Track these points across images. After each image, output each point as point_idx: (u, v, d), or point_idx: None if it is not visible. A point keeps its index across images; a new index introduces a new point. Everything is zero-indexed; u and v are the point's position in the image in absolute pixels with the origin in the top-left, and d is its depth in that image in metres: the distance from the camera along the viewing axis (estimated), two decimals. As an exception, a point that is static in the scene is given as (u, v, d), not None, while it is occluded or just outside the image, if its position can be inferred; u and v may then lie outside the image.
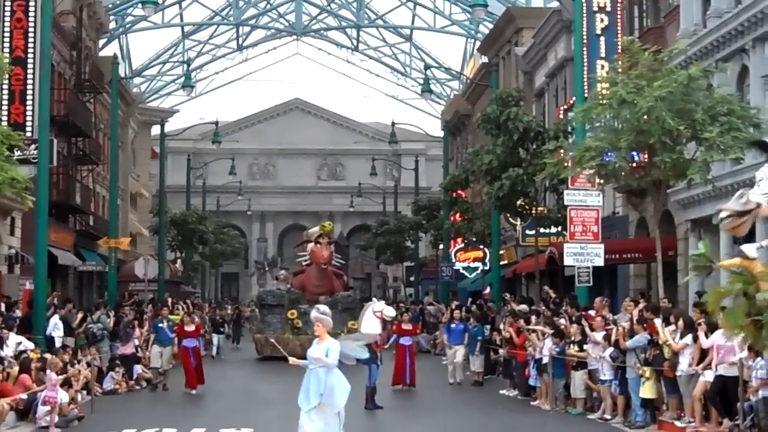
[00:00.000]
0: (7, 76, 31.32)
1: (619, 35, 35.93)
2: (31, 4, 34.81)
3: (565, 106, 42.20)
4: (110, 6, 65.60)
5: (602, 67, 35.55)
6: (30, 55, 34.67)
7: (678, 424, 20.83)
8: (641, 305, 24.17)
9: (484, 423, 23.29)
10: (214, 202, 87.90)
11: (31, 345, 26.01)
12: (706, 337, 20.22)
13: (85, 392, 25.25)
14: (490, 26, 64.51)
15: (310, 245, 42.50)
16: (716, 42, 30.49)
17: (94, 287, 57.47)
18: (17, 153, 29.16)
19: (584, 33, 35.87)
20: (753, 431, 18.93)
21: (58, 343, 28.03)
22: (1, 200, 35.47)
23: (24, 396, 22.15)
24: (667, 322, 21.82)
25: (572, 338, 24.87)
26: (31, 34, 34.73)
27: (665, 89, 24.25)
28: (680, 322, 21.35)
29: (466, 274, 57.27)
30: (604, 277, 36.39)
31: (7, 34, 34.30)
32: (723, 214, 13.84)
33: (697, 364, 20.44)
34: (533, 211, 39.61)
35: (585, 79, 34.35)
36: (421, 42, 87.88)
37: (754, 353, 19.26)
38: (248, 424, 21.76)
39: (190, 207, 71.37)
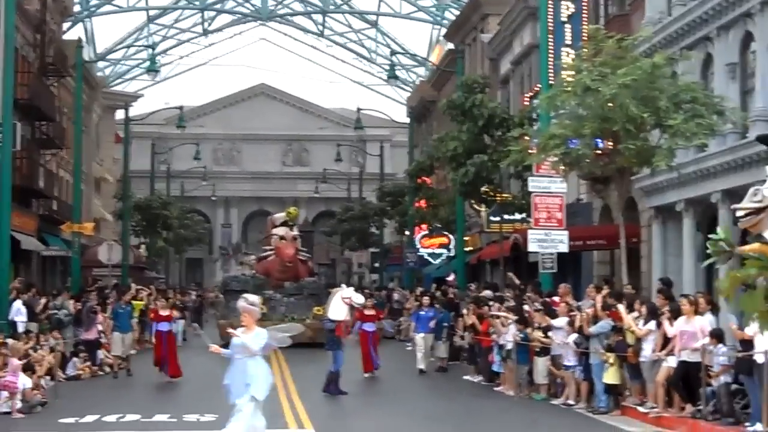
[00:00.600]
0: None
1: (585, 22, 36.01)
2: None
3: (530, 93, 42.25)
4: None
5: (567, 54, 35.58)
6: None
7: (641, 409, 20.95)
8: (605, 291, 24.25)
9: (448, 408, 23.33)
10: (179, 188, 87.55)
11: (-7, 330, 25.87)
12: (671, 323, 20.34)
13: (48, 378, 25.12)
14: (457, 13, 64.57)
15: (275, 239, 42.28)
16: (681, 30, 30.57)
17: (57, 272, 57.16)
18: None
19: (550, 20, 35.86)
20: (715, 416, 19.06)
21: (21, 329, 27.88)
22: (-36, 184, 35.15)
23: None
24: (630, 308, 21.93)
25: (537, 324, 24.93)
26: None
27: (630, 77, 24.32)
28: (643, 309, 21.47)
29: (431, 260, 57.29)
30: (568, 263, 36.48)
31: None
32: (740, 213, 13.94)
33: (660, 350, 20.55)
34: (498, 198, 39.72)
35: (550, 67, 34.35)
36: (387, 28, 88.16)
37: (717, 339, 19.43)
38: (212, 411, 21.68)
39: (154, 192, 71.15)
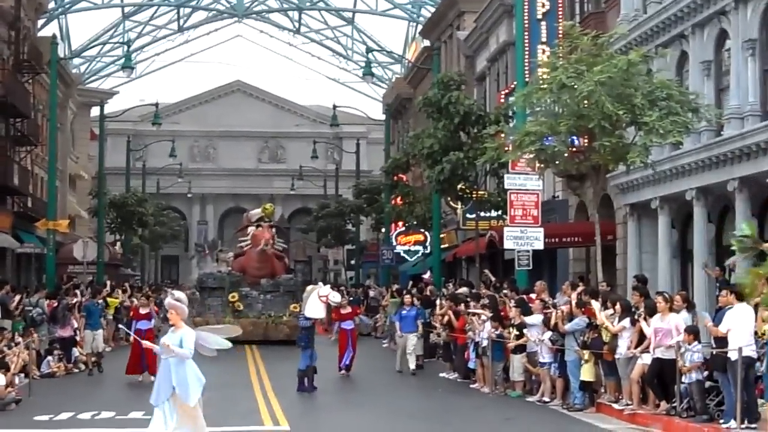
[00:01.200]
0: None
1: (560, 20, 36.02)
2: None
3: (506, 91, 42.25)
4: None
5: (543, 51, 35.61)
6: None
7: (616, 406, 20.99)
8: (580, 289, 24.26)
9: (423, 405, 23.34)
10: (154, 185, 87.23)
11: (-33, 327, 25.74)
12: (646, 321, 20.37)
13: (22, 375, 25.01)
14: (432, 10, 64.55)
15: (251, 228, 42.25)
16: (656, 27, 30.66)
17: (32, 270, 56.89)
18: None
19: (525, 17, 35.96)
20: (689, 413, 19.12)
21: (-6, 326, 27.72)
22: (-63, 181, 35.00)
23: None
24: (605, 305, 21.96)
25: (512, 321, 24.95)
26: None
27: (605, 74, 24.37)
28: (617, 306, 21.48)
29: (407, 257, 57.27)
30: (544, 260, 36.59)
31: (-57, 13, 33.76)
32: None
33: (635, 347, 20.58)
34: (474, 195, 39.69)
35: (526, 64, 34.43)
36: (363, 25, 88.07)
37: (692, 336, 19.47)
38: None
39: (129, 189, 70.86)
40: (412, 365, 29.43)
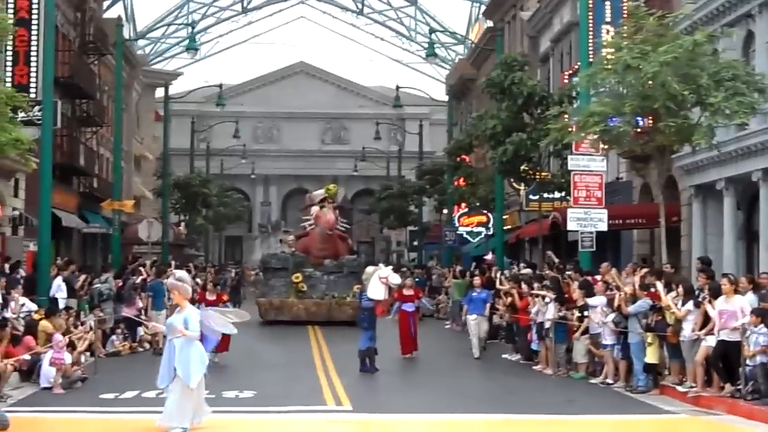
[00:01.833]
0: (11, 37, 31.22)
1: (626, -1, 35.79)
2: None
3: (570, 71, 42.04)
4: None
5: (607, 31, 35.43)
6: (34, 17, 34.47)
7: (680, 389, 20.86)
8: (644, 271, 24.12)
9: (485, 386, 23.34)
10: (218, 165, 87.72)
11: (34, 306, 26.04)
12: (711, 303, 20.21)
13: (88, 354, 25.27)
14: (496, -10, 64.22)
15: (315, 209, 42.09)
16: (722, 7, 30.33)
17: (98, 249, 57.53)
18: (21, 114, 29.08)
19: (590, -3, 35.69)
20: (754, 396, 18.95)
21: (61, 305, 28.03)
22: (5, 162, 35.41)
23: (27, 357, 22.20)
24: (669, 288, 21.81)
25: (575, 303, 24.85)
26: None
27: (670, 54, 24.17)
28: (680, 288, 21.33)
29: (470, 238, 57.16)
30: (608, 242, 36.36)
31: (10, -5, 34.12)
32: None
33: (700, 330, 20.43)
34: (537, 176, 39.58)
35: (590, 44, 34.16)
36: (426, 6, 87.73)
37: (757, 318, 19.27)
38: (251, 387, 21.81)
39: (193, 170, 71.27)
40: (477, 352, 28.51)
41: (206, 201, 70.13)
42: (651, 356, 21.79)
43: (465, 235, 57.24)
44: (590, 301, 23.97)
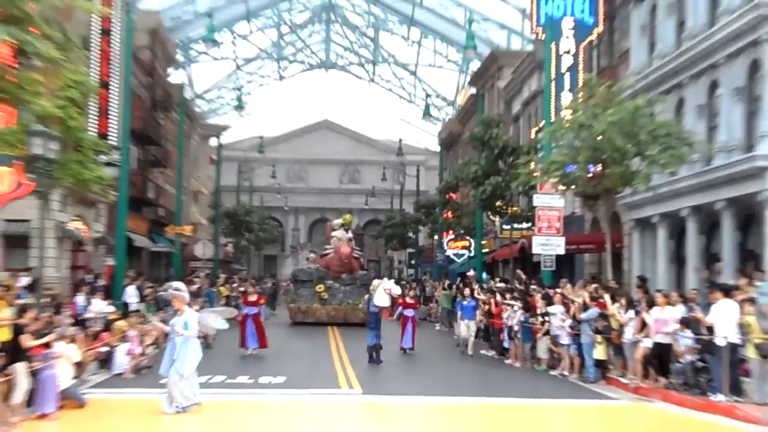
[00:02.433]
0: (96, 97, 31.25)
1: (581, 72, 35.70)
2: (116, 40, 34.60)
3: (536, 128, 41.94)
4: (179, 42, 65.49)
5: (566, 98, 35.29)
6: (114, 80, 34.48)
7: (623, 380, 20.65)
8: (593, 286, 24.01)
9: (467, 375, 23.11)
10: (259, 199, 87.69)
11: (111, 309, 25.91)
12: (647, 312, 20.07)
13: (154, 347, 25.07)
14: (478, 64, 64.20)
15: (334, 240, 41.80)
16: (659, 78, 30.28)
17: (162, 264, 57.32)
18: (103, 157, 29.03)
19: (553, 71, 35.63)
20: (684, 387, 18.75)
21: (133, 308, 27.91)
22: (90, 194, 35.35)
23: (103, 349, 22.08)
24: (614, 299, 21.68)
25: (538, 311, 24.67)
26: (115, 64, 34.53)
27: (616, 116, 24.10)
28: (623, 300, 21.25)
29: (455, 259, 56.93)
30: (565, 263, 36.18)
31: (96, 63, 34.08)
32: None
33: (638, 333, 20.25)
34: (509, 211, 39.48)
35: (552, 107, 34.10)
36: (423, 76, 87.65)
37: (685, 326, 19.12)
38: (282, 373, 21.64)
39: (239, 203, 71.19)
40: (470, 350, 28.03)
41: (249, 227, 70.03)
42: (599, 353, 21.60)
43: (452, 256, 57.00)
44: (550, 309, 23.80)
